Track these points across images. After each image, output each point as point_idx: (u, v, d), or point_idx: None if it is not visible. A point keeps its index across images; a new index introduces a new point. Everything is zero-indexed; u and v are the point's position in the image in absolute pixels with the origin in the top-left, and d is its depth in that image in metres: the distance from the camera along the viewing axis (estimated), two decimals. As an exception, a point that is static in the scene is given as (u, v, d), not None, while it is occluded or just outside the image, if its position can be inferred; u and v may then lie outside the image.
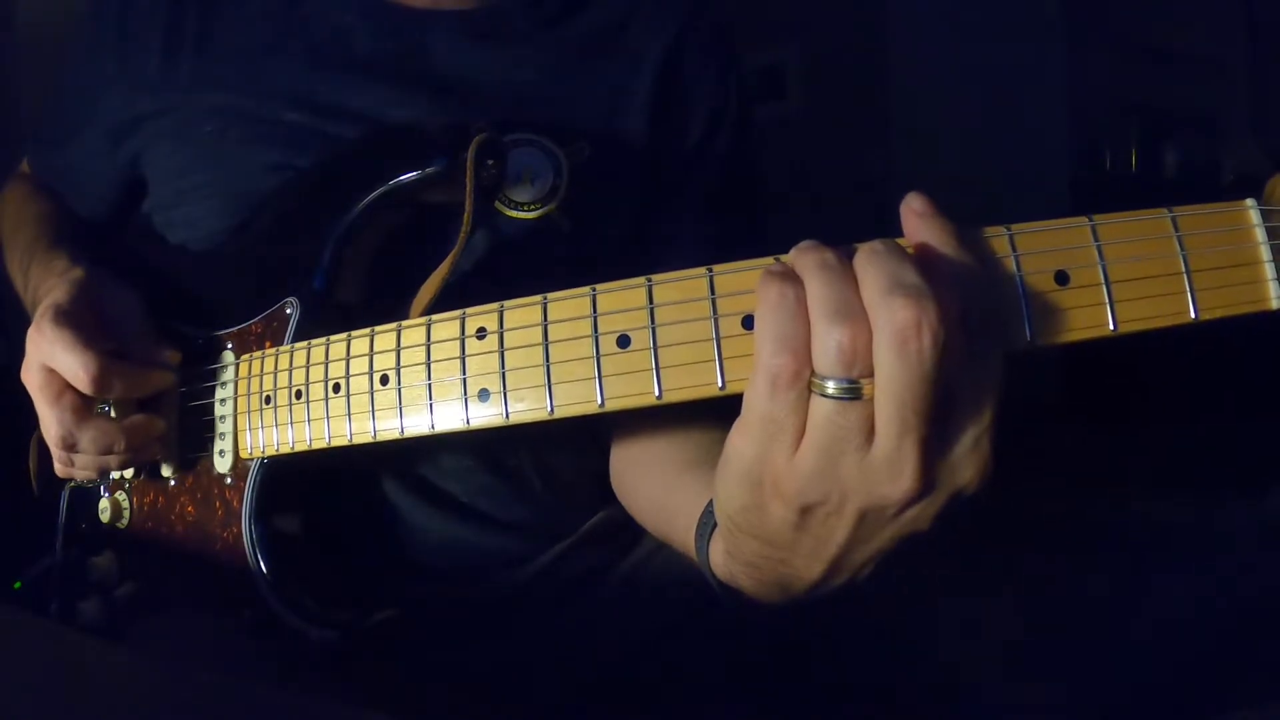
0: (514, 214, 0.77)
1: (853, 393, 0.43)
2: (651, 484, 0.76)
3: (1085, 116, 2.96)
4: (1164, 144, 3.11)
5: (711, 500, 0.59)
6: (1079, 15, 2.88)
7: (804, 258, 0.46)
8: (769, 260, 0.49)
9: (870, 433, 0.44)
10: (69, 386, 0.69)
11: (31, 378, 0.70)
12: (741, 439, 0.47)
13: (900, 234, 0.48)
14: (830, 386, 0.44)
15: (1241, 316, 0.46)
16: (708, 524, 0.59)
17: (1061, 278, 0.47)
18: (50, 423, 0.70)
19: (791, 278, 0.45)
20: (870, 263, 0.44)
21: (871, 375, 0.43)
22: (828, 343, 0.43)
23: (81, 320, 0.69)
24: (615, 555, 0.89)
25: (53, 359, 0.68)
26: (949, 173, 2.68)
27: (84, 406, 0.70)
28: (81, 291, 0.72)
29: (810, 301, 0.44)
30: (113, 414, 0.73)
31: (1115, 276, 0.46)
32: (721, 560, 0.57)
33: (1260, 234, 0.46)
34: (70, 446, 0.71)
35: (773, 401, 0.45)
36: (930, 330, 0.42)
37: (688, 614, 0.80)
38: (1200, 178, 3.04)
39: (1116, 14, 2.96)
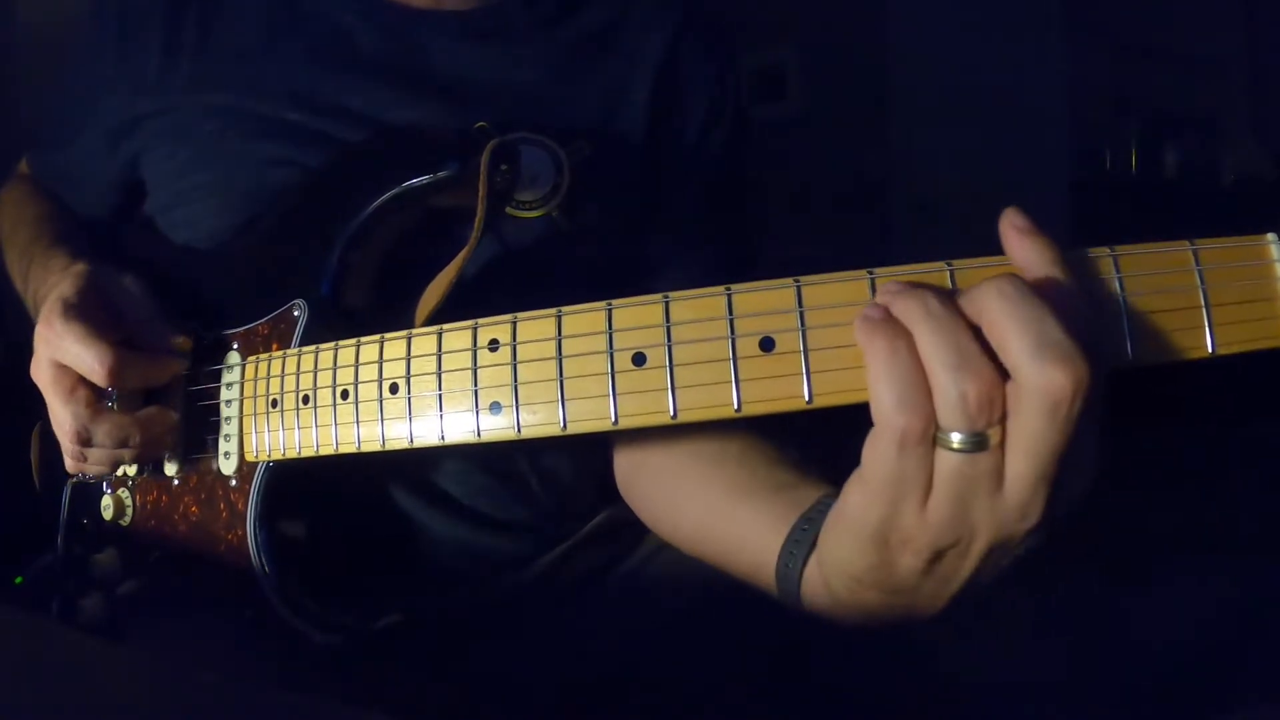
0: (515, 213, 0.77)
1: (978, 444, 0.42)
2: (696, 509, 0.73)
3: (1085, 116, 2.96)
4: (1164, 144, 3.11)
5: (791, 539, 0.59)
6: (1079, 15, 2.88)
7: (905, 305, 0.44)
8: (788, 281, 0.48)
9: (999, 476, 0.44)
10: (81, 381, 0.69)
11: (42, 374, 0.70)
12: (865, 500, 0.46)
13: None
14: (956, 440, 0.42)
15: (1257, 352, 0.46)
16: (794, 566, 0.58)
17: None
18: (64, 418, 0.70)
19: (897, 327, 0.44)
20: (1007, 313, 0.42)
21: (998, 424, 0.42)
22: (951, 397, 0.42)
23: (90, 313, 0.69)
24: (616, 556, 0.89)
25: (64, 354, 0.68)
26: (949, 173, 2.68)
27: (97, 400, 0.70)
28: (87, 284, 0.71)
29: (924, 352, 0.43)
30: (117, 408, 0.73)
31: (1134, 308, 0.46)
32: (824, 605, 0.55)
33: (1279, 270, 0.46)
34: (85, 441, 0.70)
35: (901, 461, 0.44)
36: (1084, 395, 0.41)
37: (689, 615, 0.81)
38: (1200, 178, 3.05)
39: (1116, 14, 2.96)
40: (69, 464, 0.75)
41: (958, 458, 0.43)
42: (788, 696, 0.75)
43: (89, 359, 0.67)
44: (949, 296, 0.44)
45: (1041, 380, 0.41)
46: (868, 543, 0.47)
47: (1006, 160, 2.77)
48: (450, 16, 0.84)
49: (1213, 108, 3.14)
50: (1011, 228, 0.46)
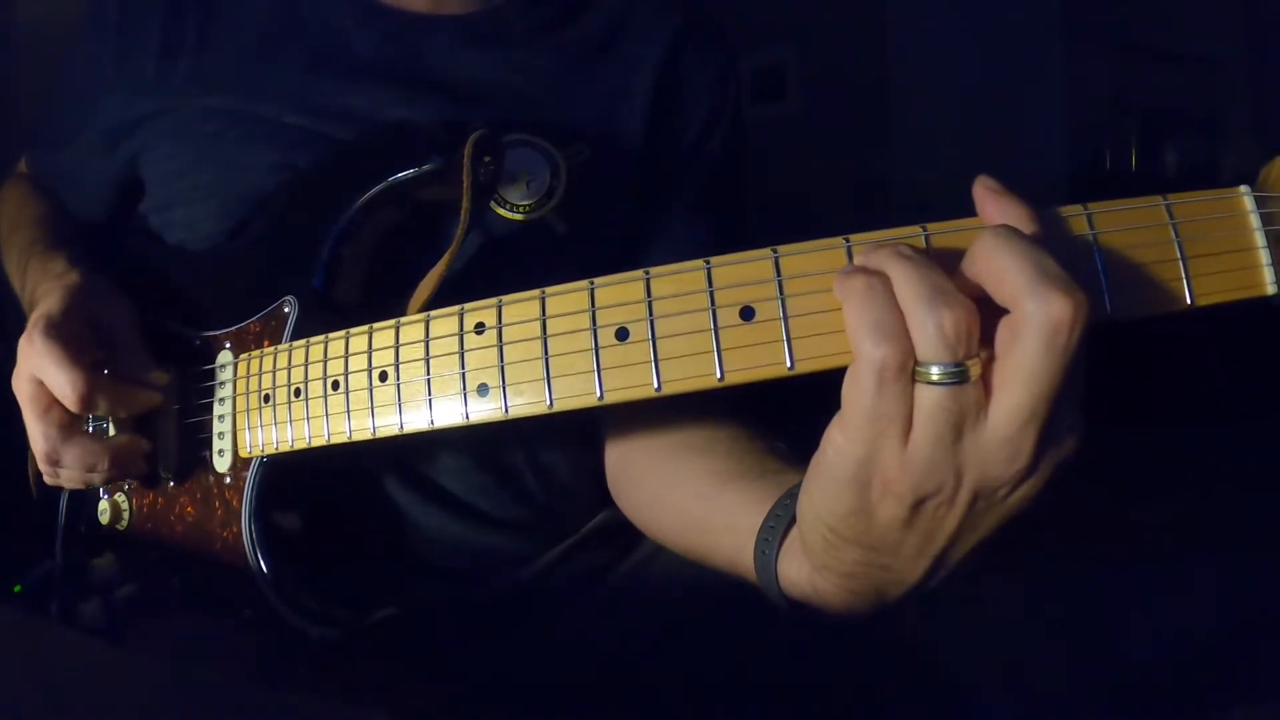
0: (510, 215, 0.77)
1: (959, 376, 0.42)
2: (682, 497, 0.73)
3: (1085, 116, 2.96)
4: (1164, 144, 3.11)
5: (773, 514, 0.58)
6: (1079, 15, 2.88)
7: (879, 254, 0.45)
8: (766, 251, 0.48)
9: (981, 412, 0.43)
10: (57, 401, 0.69)
11: (21, 388, 0.70)
12: (846, 440, 0.46)
13: (903, 227, 0.48)
14: (935, 373, 0.42)
15: (1239, 302, 0.47)
16: (772, 540, 0.57)
17: None
18: (37, 437, 0.71)
19: (871, 271, 0.44)
20: (1004, 250, 0.43)
21: (976, 357, 0.43)
22: (928, 328, 0.42)
23: (72, 333, 0.70)
24: (616, 556, 0.88)
25: (42, 372, 0.68)
26: (949, 173, 2.68)
27: (71, 423, 0.71)
28: (75, 300, 0.72)
29: (899, 290, 0.43)
30: (109, 426, 0.74)
31: (1112, 264, 0.46)
32: (803, 577, 0.55)
33: (1255, 220, 0.47)
34: (54, 462, 0.71)
35: (880, 396, 0.43)
36: (1082, 324, 0.41)
37: (688, 615, 0.80)
38: (1200, 178, 3.05)
39: (1116, 14, 2.96)
40: (44, 477, 0.75)
41: (938, 391, 0.43)
42: (788, 697, 0.75)
43: (63, 383, 0.67)
44: (926, 251, 0.45)
45: (1043, 307, 0.41)
46: (847, 485, 0.47)
47: (1006, 160, 2.78)
48: (449, 20, 0.84)
49: (1213, 108, 3.14)
50: (985, 189, 0.47)
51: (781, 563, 0.57)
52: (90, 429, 0.77)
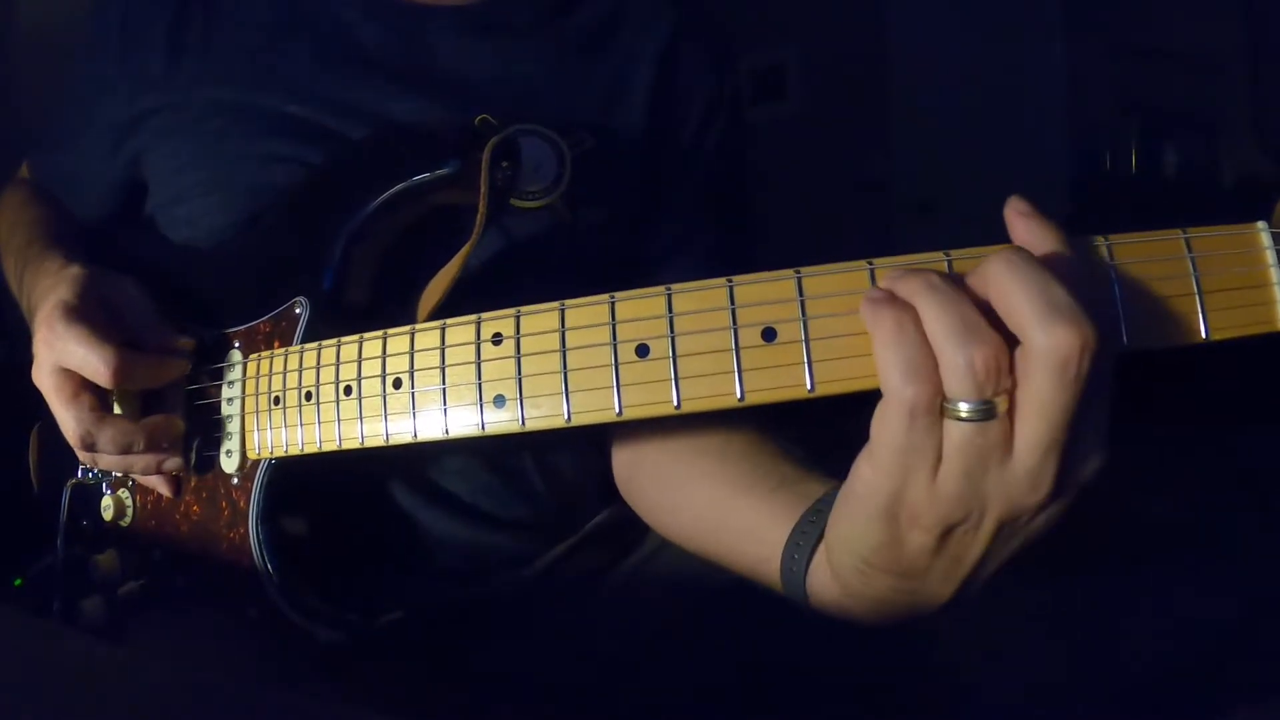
0: (518, 203, 0.77)
1: (987, 413, 0.43)
2: (698, 502, 0.73)
3: (1085, 116, 2.96)
4: (1164, 144, 3.10)
5: (799, 530, 0.59)
6: (1079, 15, 2.88)
7: (909, 284, 0.45)
8: (789, 271, 0.49)
9: (1008, 446, 0.44)
10: (84, 386, 0.69)
11: (44, 380, 0.69)
12: (876, 474, 0.46)
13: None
14: (964, 410, 0.43)
15: (1251, 337, 0.47)
16: (800, 558, 0.58)
17: None
18: (69, 423, 0.69)
19: (902, 304, 0.44)
20: (1013, 277, 0.43)
21: (1004, 392, 0.43)
22: (958, 365, 0.42)
23: (92, 315, 0.69)
24: (618, 555, 0.89)
25: (68, 357, 0.67)
26: (949, 173, 2.69)
27: (101, 405, 0.70)
28: (85, 286, 0.71)
29: (928, 325, 0.43)
30: (118, 412, 0.72)
31: (1128, 295, 0.47)
32: (832, 597, 0.55)
33: (1271, 256, 0.47)
34: (90, 446, 0.70)
35: (911, 433, 0.44)
36: (1091, 355, 0.41)
37: (689, 614, 0.80)
38: (1200, 178, 3.05)
39: (1116, 14, 2.96)
40: (83, 462, 0.75)
41: (967, 427, 0.43)
42: (790, 698, 0.75)
43: (94, 360, 0.66)
44: (951, 277, 0.45)
45: (1050, 341, 0.41)
46: (877, 519, 0.47)
47: (1006, 160, 2.78)
48: (451, 11, 0.84)
49: (1213, 108, 3.14)
50: (1015, 212, 0.47)
51: (810, 579, 0.57)
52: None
